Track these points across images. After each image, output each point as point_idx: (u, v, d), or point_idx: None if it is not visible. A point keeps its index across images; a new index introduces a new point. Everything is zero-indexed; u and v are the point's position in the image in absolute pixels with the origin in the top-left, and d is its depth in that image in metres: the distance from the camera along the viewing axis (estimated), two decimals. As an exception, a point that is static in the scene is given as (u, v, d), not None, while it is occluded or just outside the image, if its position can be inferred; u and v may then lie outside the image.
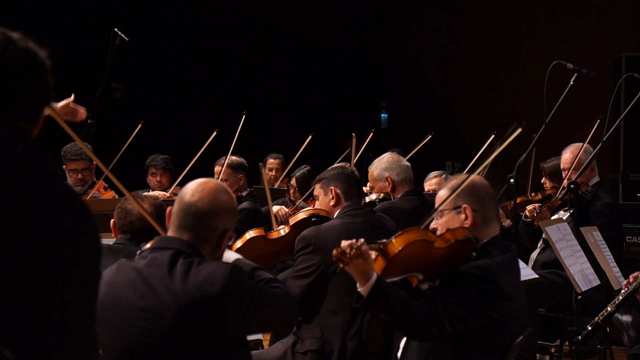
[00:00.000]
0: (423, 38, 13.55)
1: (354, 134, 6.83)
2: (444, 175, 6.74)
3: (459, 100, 13.33)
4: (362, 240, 3.22)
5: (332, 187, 4.57)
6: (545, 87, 4.87)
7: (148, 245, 2.99)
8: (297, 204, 6.85)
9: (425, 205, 5.48)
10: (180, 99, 11.49)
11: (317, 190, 4.68)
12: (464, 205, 3.44)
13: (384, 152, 6.18)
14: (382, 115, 13.23)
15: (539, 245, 6.16)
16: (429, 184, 6.76)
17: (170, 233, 2.88)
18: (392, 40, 13.81)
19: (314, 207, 6.79)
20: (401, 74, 13.86)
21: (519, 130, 3.29)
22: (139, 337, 2.79)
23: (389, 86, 13.77)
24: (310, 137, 8.03)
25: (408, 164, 5.68)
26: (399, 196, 5.52)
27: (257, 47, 12.20)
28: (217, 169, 7.06)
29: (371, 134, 7.63)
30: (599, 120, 6.37)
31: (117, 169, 7.01)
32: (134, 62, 10.27)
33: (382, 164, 5.66)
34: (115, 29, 7.24)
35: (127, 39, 7.21)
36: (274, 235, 4.79)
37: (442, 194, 3.49)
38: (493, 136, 6.90)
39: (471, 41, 13.19)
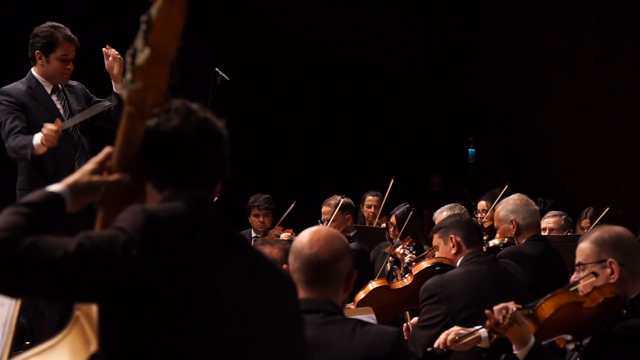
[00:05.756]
0: (511, 73, 13.42)
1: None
2: (563, 216, 6.65)
3: (548, 136, 13.14)
4: (512, 306, 3.19)
5: (451, 236, 4.47)
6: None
7: None
8: (394, 242, 6.83)
9: (550, 251, 5.37)
10: (269, 136, 11.51)
11: (436, 240, 4.57)
12: (610, 260, 3.33)
13: (474, 187, 6.02)
14: (470, 150, 13.15)
15: None
16: (546, 222, 6.68)
17: (300, 291, 2.84)
18: (480, 76, 13.71)
19: (409, 244, 6.79)
20: (489, 109, 13.74)
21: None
22: None
23: (476, 121, 13.67)
24: (392, 180, 7.95)
25: (536, 207, 5.50)
26: (523, 241, 5.42)
27: (345, 84, 12.20)
28: (324, 209, 7.08)
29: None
30: None
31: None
32: (224, 100, 10.30)
33: (509, 206, 5.47)
34: (216, 69, 7.24)
35: (227, 79, 7.21)
36: (397, 285, 4.74)
37: (584, 246, 3.38)
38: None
39: (561, 76, 13.00)
